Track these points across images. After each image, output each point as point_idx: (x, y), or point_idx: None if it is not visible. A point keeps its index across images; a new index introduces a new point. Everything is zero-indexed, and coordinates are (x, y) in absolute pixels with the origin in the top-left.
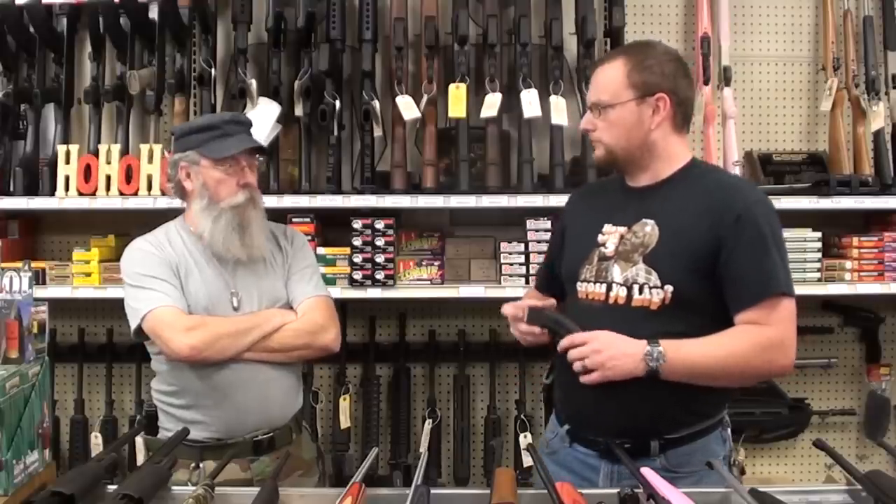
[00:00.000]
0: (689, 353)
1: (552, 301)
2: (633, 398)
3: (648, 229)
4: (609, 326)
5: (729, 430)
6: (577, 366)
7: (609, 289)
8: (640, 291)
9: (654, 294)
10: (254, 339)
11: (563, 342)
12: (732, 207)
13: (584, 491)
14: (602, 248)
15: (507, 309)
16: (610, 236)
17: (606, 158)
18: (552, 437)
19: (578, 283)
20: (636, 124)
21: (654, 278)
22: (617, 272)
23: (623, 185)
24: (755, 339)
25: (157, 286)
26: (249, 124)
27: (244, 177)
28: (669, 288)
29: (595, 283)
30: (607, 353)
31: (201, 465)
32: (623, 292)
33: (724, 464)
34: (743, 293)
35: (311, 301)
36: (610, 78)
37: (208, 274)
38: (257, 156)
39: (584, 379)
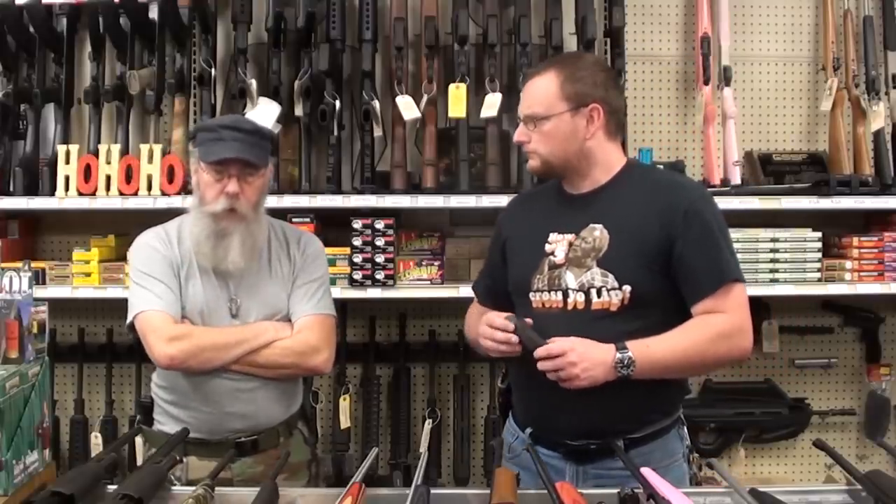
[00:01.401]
0: (656, 352)
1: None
2: (595, 400)
3: (598, 233)
4: (569, 332)
5: (685, 428)
6: (551, 376)
7: (566, 295)
8: (599, 295)
9: (613, 295)
10: (241, 352)
11: (539, 352)
12: (678, 205)
13: (584, 491)
14: (551, 257)
15: (498, 323)
16: (558, 244)
17: (542, 169)
18: (513, 441)
19: (531, 294)
20: (571, 135)
21: (612, 280)
22: (571, 279)
23: (561, 193)
24: (715, 328)
25: (153, 287)
26: (253, 132)
27: (229, 185)
28: (627, 288)
29: (549, 291)
30: (581, 365)
31: (185, 459)
32: (581, 297)
33: (684, 460)
34: (698, 285)
35: (308, 320)
36: (543, 90)
37: (210, 277)
38: (263, 170)
39: (561, 384)
